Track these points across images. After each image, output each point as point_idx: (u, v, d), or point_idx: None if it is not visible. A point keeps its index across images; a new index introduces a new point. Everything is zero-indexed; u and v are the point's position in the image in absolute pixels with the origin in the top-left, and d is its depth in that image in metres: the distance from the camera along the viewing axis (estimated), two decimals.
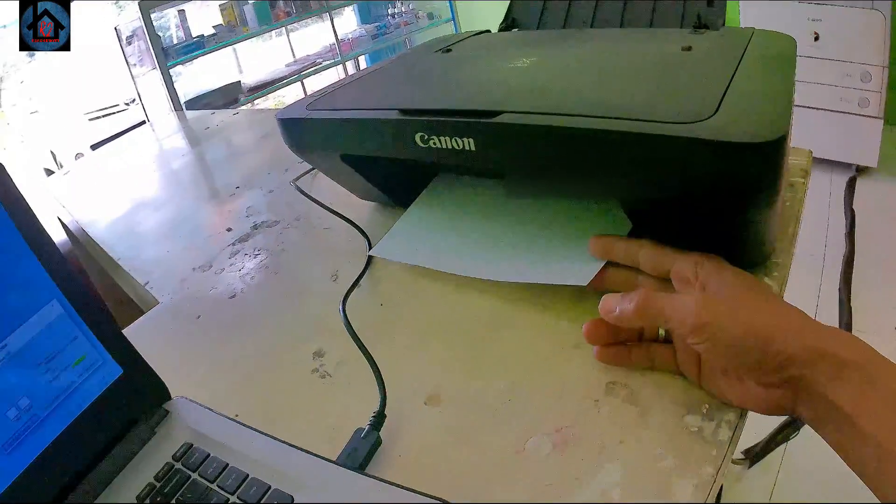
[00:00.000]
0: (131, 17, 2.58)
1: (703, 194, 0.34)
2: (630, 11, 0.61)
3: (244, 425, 0.36)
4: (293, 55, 3.53)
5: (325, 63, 3.27)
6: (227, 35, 2.85)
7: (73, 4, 0.90)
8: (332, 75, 3.29)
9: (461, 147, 0.41)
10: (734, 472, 1.16)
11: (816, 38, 1.98)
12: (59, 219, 0.92)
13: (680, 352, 0.35)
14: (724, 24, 0.54)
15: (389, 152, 0.46)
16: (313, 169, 0.74)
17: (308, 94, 0.71)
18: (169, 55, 2.60)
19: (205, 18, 2.94)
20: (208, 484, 0.32)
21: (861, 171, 2.09)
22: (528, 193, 0.49)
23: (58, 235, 0.98)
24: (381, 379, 0.39)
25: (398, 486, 0.30)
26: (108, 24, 2.72)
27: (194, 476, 0.33)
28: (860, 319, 1.47)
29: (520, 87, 0.46)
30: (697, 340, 0.31)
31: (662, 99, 0.39)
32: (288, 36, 3.57)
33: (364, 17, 3.76)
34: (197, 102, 2.76)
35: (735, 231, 0.38)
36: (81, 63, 2.93)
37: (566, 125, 0.36)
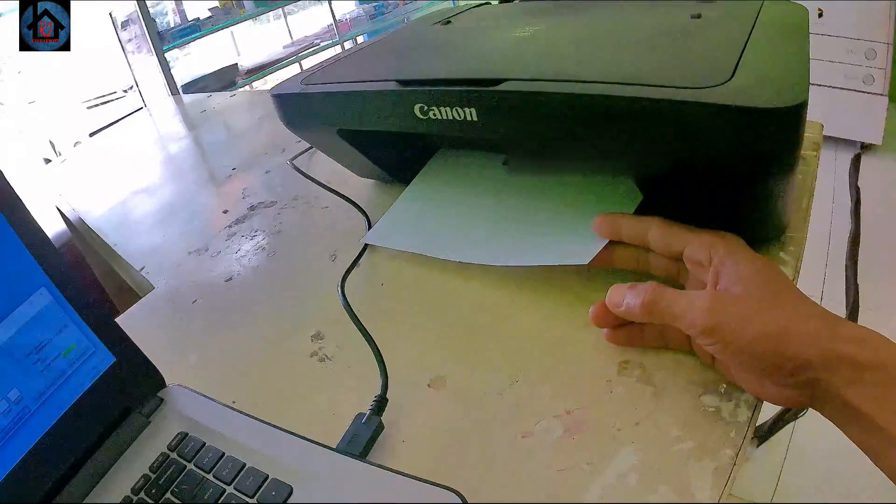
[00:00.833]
0: (126, 2, 2.54)
1: (720, 162, 0.33)
2: None
3: (241, 412, 0.35)
4: (291, 37, 3.48)
5: (323, 44, 3.22)
6: (223, 17, 2.80)
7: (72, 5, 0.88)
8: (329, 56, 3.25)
9: (462, 118, 0.39)
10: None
11: (821, 15, 1.95)
12: (58, 208, 0.91)
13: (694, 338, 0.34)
14: None
15: (388, 125, 0.44)
16: (311, 148, 0.72)
17: None
18: (165, 39, 2.56)
19: (201, 1, 2.89)
20: (204, 474, 0.31)
21: (866, 148, 2.08)
22: (531, 169, 0.47)
23: (57, 225, 0.97)
24: (383, 361, 0.37)
25: (402, 473, 0.29)
26: (104, 11, 2.68)
27: (190, 466, 0.32)
28: (867, 297, 1.46)
29: (524, 55, 0.44)
30: (708, 343, 0.30)
31: (674, 64, 0.37)
32: (285, 17, 3.52)
33: None
34: (193, 86, 2.73)
35: (751, 202, 0.36)
36: (78, 52, 2.90)
37: (576, 91, 0.34)
